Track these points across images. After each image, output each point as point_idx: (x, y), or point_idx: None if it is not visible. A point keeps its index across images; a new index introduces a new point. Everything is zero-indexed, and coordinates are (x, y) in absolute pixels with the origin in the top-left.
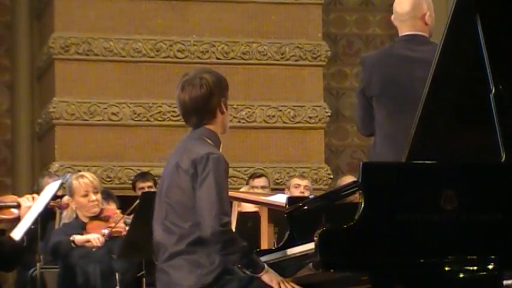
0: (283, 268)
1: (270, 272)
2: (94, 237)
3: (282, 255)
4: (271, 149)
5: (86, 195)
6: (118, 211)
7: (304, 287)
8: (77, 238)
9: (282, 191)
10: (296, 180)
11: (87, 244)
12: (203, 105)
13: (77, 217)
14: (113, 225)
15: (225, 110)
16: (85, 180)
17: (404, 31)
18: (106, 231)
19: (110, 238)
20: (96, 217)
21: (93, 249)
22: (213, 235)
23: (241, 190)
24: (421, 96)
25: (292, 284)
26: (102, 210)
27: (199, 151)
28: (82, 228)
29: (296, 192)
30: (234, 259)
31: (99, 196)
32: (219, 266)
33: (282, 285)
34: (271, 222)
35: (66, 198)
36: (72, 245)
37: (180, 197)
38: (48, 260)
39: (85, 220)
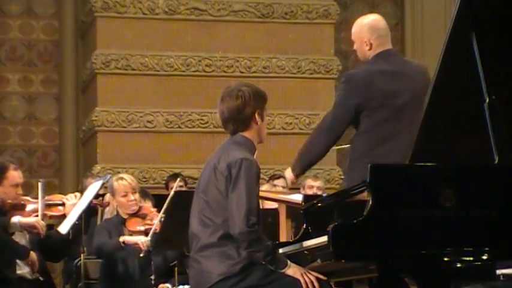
0: (299, 259)
1: (293, 266)
2: (142, 241)
3: (298, 247)
4: (289, 152)
5: (125, 195)
6: (154, 209)
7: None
8: (127, 239)
9: (298, 190)
10: (310, 182)
11: (135, 246)
12: (238, 114)
13: (117, 213)
14: (149, 222)
15: (260, 120)
16: (124, 182)
17: (385, 47)
18: (143, 228)
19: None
20: (135, 214)
21: (141, 254)
22: (240, 234)
23: (262, 189)
24: (415, 105)
25: (314, 273)
26: (140, 208)
27: (234, 156)
28: (122, 224)
29: (310, 192)
30: (259, 256)
31: (137, 196)
32: (245, 258)
33: (305, 277)
34: (289, 217)
35: (107, 197)
36: (122, 245)
37: (216, 194)
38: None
39: (125, 217)
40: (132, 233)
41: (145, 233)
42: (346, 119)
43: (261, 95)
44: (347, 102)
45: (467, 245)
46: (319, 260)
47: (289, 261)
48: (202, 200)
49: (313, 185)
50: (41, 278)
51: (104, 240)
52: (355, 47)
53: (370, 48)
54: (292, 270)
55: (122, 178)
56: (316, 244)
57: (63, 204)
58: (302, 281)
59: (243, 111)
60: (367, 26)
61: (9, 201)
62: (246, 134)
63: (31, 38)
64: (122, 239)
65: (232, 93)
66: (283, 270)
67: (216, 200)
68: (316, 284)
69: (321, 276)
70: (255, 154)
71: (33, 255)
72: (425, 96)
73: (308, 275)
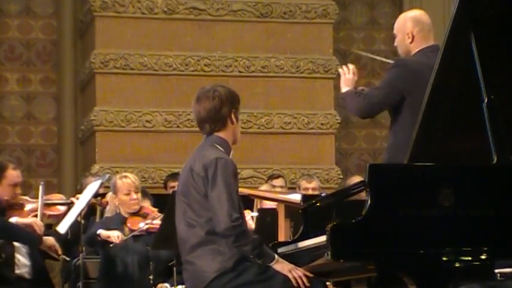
0: (298, 258)
1: (281, 261)
2: (114, 235)
3: (297, 247)
4: (288, 152)
5: (128, 194)
6: (155, 209)
7: (317, 275)
8: (103, 233)
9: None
10: (304, 184)
11: (108, 239)
12: (215, 114)
13: (119, 212)
14: (150, 221)
15: (235, 120)
16: (128, 180)
17: (428, 42)
18: (143, 225)
19: (148, 233)
20: (136, 213)
21: (111, 245)
22: (226, 230)
23: (261, 188)
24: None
25: (302, 270)
26: (141, 208)
27: (209, 156)
28: (122, 223)
29: None
30: (247, 250)
31: (139, 195)
32: (237, 252)
33: (293, 273)
34: (288, 217)
35: (108, 196)
36: (98, 238)
37: (195, 196)
38: (90, 250)
39: (126, 215)
40: (133, 231)
41: (147, 232)
42: (389, 102)
43: (235, 95)
44: (395, 85)
45: (465, 245)
46: (322, 256)
47: (276, 256)
48: (183, 203)
49: (308, 187)
50: (67, 258)
51: (91, 232)
52: (396, 42)
53: (412, 41)
54: (280, 265)
55: (125, 176)
56: (315, 244)
57: (63, 204)
58: (290, 276)
59: (220, 111)
60: (411, 18)
61: (8, 200)
62: (222, 134)
63: (30, 37)
64: (98, 231)
65: (208, 94)
66: (270, 264)
67: (197, 202)
68: (305, 279)
69: (308, 273)
70: (231, 154)
71: (48, 240)
72: None
73: (296, 270)
